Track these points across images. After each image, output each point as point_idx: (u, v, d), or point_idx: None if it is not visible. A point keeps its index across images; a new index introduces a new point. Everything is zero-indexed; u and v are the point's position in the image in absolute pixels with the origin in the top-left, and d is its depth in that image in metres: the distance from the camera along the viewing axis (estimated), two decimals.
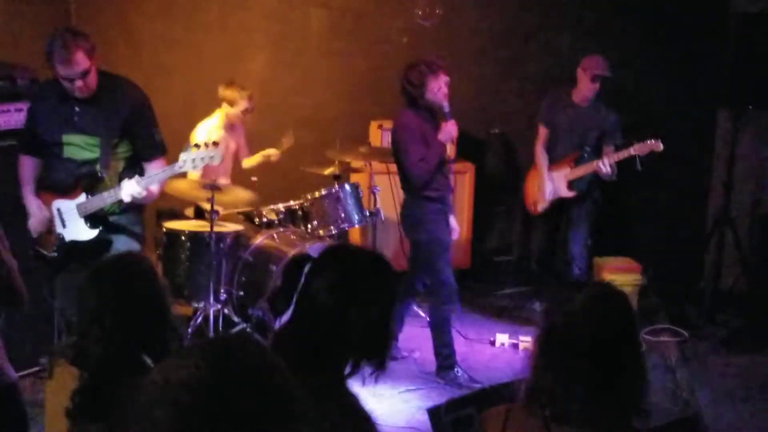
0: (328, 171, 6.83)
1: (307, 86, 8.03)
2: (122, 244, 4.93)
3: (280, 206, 6.74)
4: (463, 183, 7.68)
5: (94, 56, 4.77)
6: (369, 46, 8.04)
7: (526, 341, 6.42)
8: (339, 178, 6.83)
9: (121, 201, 4.82)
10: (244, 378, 1.36)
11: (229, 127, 6.83)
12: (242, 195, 6.47)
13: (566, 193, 6.89)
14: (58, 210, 4.93)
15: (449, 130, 5.76)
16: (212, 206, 5.96)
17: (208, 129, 6.70)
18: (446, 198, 6.02)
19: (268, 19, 8.00)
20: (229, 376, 1.35)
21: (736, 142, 7.20)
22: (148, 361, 2.84)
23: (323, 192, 6.62)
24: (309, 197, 6.65)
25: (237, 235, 6.37)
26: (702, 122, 7.84)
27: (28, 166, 5.05)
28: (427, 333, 6.22)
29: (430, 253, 5.93)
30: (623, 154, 6.60)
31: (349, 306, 2.47)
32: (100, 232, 4.90)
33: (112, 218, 4.97)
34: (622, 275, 7.05)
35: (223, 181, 6.66)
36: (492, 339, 6.55)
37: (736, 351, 6.68)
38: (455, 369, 5.94)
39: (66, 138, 4.89)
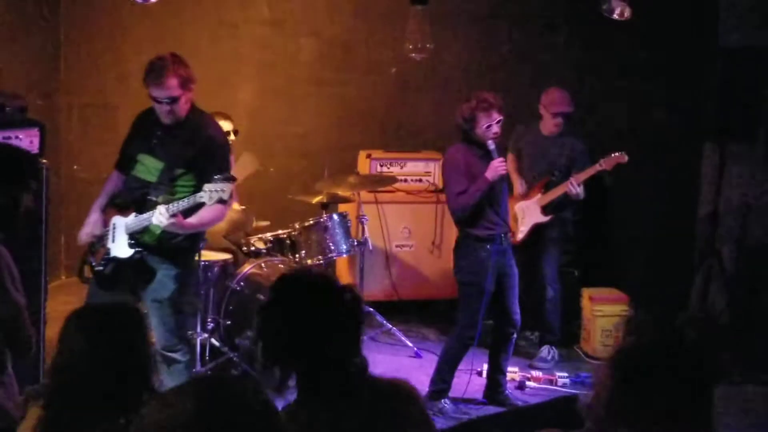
0: (316, 200, 6.84)
1: (296, 115, 8.06)
2: (156, 279, 4.97)
3: (268, 235, 6.74)
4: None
5: (188, 87, 4.88)
6: (358, 76, 8.08)
7: (513, 371, 6.41)
8: (327, 207, 6.84)
9: (174, 237, 4.91)
10: (232, 420, 1.36)
11: None
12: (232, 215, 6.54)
13: (542, 218, 6.89)
14: (114, 225, 4.98)
15: (495, 167, 5.59)
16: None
17: None
18: (498, 238, 5.79)
19: (258, 48, 8.03)
20: (217, 418, 1.36)
21: (723, 175, 7.24)
22: (121, 418, 2.67)
23: (311, 221, 6.62)
24: (297, 226, 6.66)
25: (225, 264, 6.37)
26: (689, 155, 7.88)
27: (111, 180, 5.22)
28: (415, 363, 6.20)
29: (466, 296, 5.84)
30: (591, 171, 6.66)
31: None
32: (136, 252, 4.90)
33: (156, 248, 4.96)
34: (609, 306, 7.06)
35: None
36: (479, 369, 6.56)
37: (724, 382, 6.68)
38: (443, 400, 5.93)
39: (140, 157, 5.02)
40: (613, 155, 6.61)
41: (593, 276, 7.49)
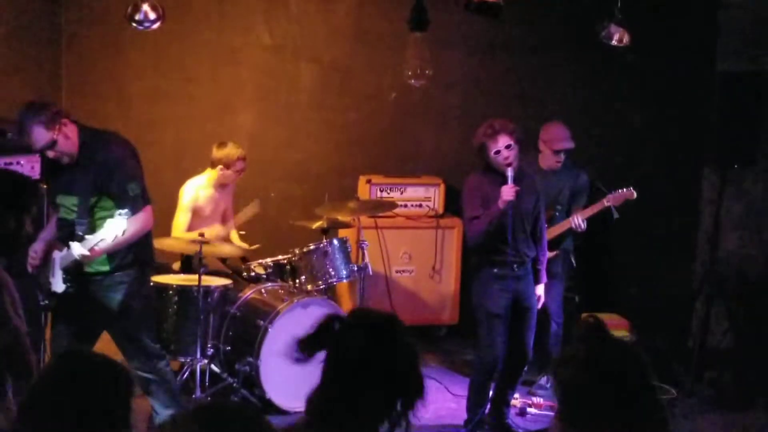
0: (316, 225, 6.83)
1: (296, 140, 8.07)
2: (101, 306, 5.07)
3: (268, 261, 6.73)
4: (451, 238, 7.70)
5: (56, 126, 4.84)
6: (358, 101, 8.10)
7: (514, 398, 6.39)
8: (327, 232, 6.83)
9: (112, 260, 5.00)
10: None
11: (219, 186, 6.83)
12: (228, 249, 6.54)
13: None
14: (53, 260, 5.04)
15: (504, 192, 5.50)
16: (200, 260, 5.97)
17: (196, 187, 6.72)
18: (510, 264, 5.69)
19: (259, 73, 8.05)
20: None
21: (722, 200, 7.25)
22: None
23: (311, 246, 6.61)
24: (297, 252, 6.65)
25: (224, 290, 6.35)
26: (688, 180, 7.90)
27: (53, 216, 5.25)
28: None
29: (479, 322, 5.80)
30: (598, 207, 6.62)
31: (378, 363, 2.61)
32: (69, 287, 4.99)
33: (96, 278, 5.02)
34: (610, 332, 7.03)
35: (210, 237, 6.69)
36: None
37: (724, 409, 6.66)
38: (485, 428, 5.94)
39: (59, 199, 5.07)
40: (620, 191, 6.54)
41: (594, 301, 7.47)
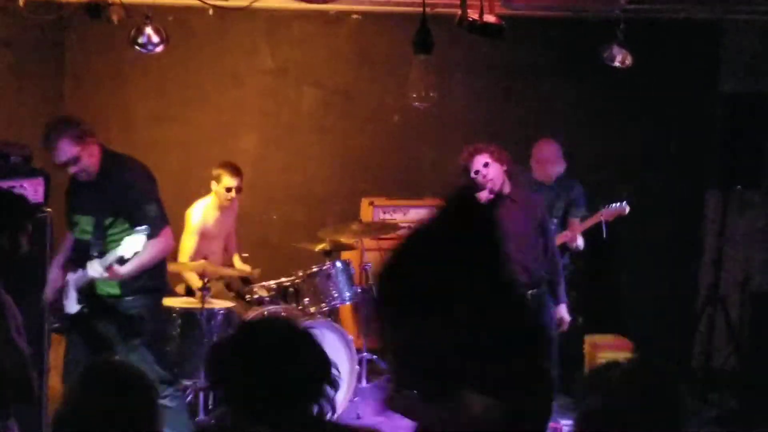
0: (319, 247, 6.83)
1: (298, 163, 8.08)
2: (111, 327, 5.07)
3: (272, 283, 6.73)
4: None
5: (84, 141, 4.92)
6: (360, 124, 8.11)
7: None
8: (330, 254, 6.83)
9: (123, 284, 5.01)
10: None
11: (222, 207, 6.85)
12: (230, 272, 6.56)
13: None
14: (67, 282, 5.09)
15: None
16: (204, 283, 5.97)
17: (204, 209, 6.74)
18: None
19: (261, 96, 8.07)
20: None
21: (725, 221, 7.25)
22: None
23: (314, 269, 6.61)
24: (300, 274, 6.65)
25: (228, 313, 6.34)
26: (691, 201, 7.90)
27: (68, 238, 5.33)
28: None
29: None
30: (593, 221, 6.67)
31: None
32: (83, 307, 5.02)
33: (108, 300, 5.02)
34: (613, 353, 7.01)
35: (214, 257, 6.69)
36: None
37: (728, 430, 6.63)
38: None
39: (76, 218, 5.17)
40: (614, 206, 6.60)
41: (596, 323, 7.46)
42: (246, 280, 6.97)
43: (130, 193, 5.03)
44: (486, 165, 5.62)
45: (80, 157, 4.93)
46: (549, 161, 6.80)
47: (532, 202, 5.83)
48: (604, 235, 6.61)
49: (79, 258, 5.06)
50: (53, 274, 5.17)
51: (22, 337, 3.58)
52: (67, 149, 4.90)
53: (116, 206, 5.01)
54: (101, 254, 4.91)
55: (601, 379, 2.50)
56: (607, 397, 2.44)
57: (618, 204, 6.60)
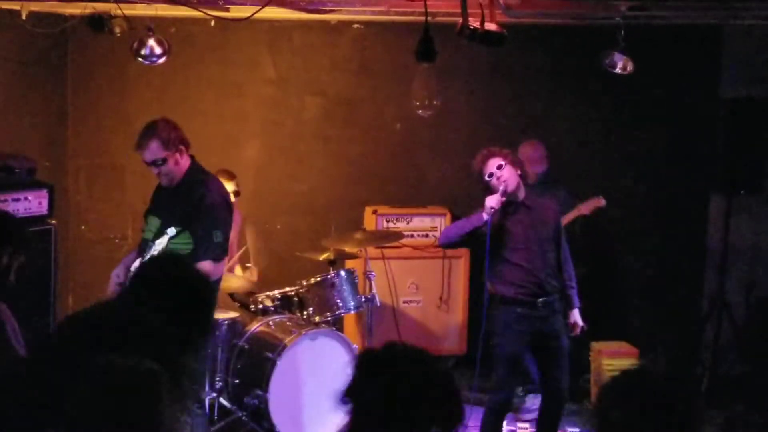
0: (323, 257, 6.83)
1: (301, 172, 8.09)
2: None
3: (276, 293, 6.72)
4: (458, 267, 7.68)
5: (175, 148, 5.05)
6: (363, 133, 8.12)
7: (524, 428, 6.35)
8: (334, 263, 6.83)
9: None
10: None
11: None
12: (236, 282, 6.55)
13: None
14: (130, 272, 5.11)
15: (488, 199, 5.43)
16: None
17: None
18: (534, 302, 5.51)
19: (264, 106, 8.09)
20: None
21: (729, 227, 7.24)
22: None
23: (319, 278, 6.61)
24: (304, 283, 6.65)
25: (232, 323, 6.34)
26: (695, 207, 7.89)
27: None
28: None
29: (492, 358, 5.62)
30: (573, 214, 6.74)
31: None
32: None
33: None
34: (618, 360, 7.01)
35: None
36: None
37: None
38: None
39: (148, 218, 5.27)
40: (591, 200, 6.68)
41: (602, 329, 7.44)
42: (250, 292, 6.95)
43: (204, 214, 5.07)
44: (500, 167, 5.51)
45: (166, 160, 5.04)
46: (531, 161, 6.86)
47: (546, 208, 5.74)
48: (578, 232, 6.63)
49: (142, 254, 5.10)
50: (119, 269, 5.23)
51: (20, 345, 3.59)
52: (155, 150, 5.04)
53: (187, 220, 5.04)
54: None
55: (621, 392, 2.47)
56: (628, 412, 2.41)
57: (595, 197, 6.67)
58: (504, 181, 5.47)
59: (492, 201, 5.41)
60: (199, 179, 5.19)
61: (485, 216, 5.42)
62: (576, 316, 5.80)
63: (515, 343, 5.54)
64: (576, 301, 5.81)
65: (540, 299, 5.53)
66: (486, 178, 5.54)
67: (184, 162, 5.13)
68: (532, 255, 5.55)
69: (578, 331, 5.84)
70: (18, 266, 4.10)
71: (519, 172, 5.60)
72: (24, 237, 4.11)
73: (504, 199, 5.45)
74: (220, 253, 5.11)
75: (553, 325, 5.61)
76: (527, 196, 5.64)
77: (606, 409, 2.45)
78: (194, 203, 5.07)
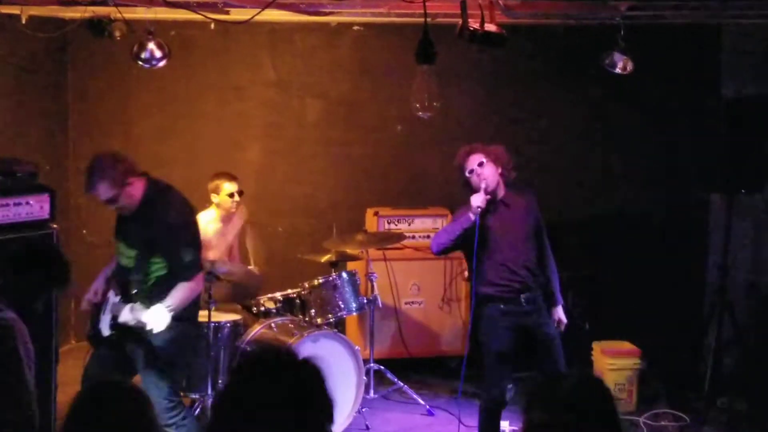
0: (324, 259, 6.84)
1: (303, 174, 8.11)
2: (141, 352, 5.04)
3: (278, 295, 6.72)
4: (459, 268, 7.68)
5: (124, 183, 4.92)
6: (364, 135, 8.13)
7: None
8: (336, 265, 6.84)
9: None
10: None
11: (226, 219, 6.87)
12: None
13: None
14: (108, 299, 5.09)
15: (473, 198, 5.39)
16: (210, 296, 5.97)
17: (206, 221, 6.74)
18: (518, 298, 5.48)
19: (265, 109, 8.11)
20: None
21: (730, 226, 7.23)
22: None
23: (320, 280, 6.61)
24: (306, 285, 6.65)
25: (235, 325, 6.35)
26: (696, 207, 7.89)
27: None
28: (427, 421, 6.25)
29: (482, 357, 5.59)
30: None
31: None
32: (113, 334, 5.01)
33: (137, 326, 4.99)
34: (620, 359, 7.02)
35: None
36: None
37: None
38: None
39: (117, 243, 5.18)
40: None
41: (604, 329, 7.45)
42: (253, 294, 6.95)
43: (167, 237, 5.01)
44: (481, 164, 5.48)
45: (118, 196, 4.95)
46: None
47: (526, 205, 5.68)
48: None
49: (121, 282, 5.06)
50: (97, 283, 5.20)
51: (31, 372, 3.61)
52: (104, 191, 4.92)
53: (155, 245, 5.00)
54: (140, 283, 4.94)
55: (545, 394, 2.55)
56: (551, 413, 2.49)
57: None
58: (484, 179, 5.45)
59: (477, 200, 5.38)
60: (156, 200, 5.08)
61: (472, 216, 5.40)
62: (560, 313, 5.78)
63: (502, 340, 5.52)
64: (559, 298, 5.79)
65: (523, 295, 5.52)
66: (467, 174, 5.53)
67: (137, 190, 5.01)
68: (514, 253, 5.52)
69: (562, 328, 5.81)
70: (46, 297, 4.17)
71: (500, 170, 5.56)
72: (66, 278, 4.15)
73: (489, 197, 5.45)
74: (194, 271, 5.06)
75: (539, 318, 5.60)
76: (506, 194, 5.60)
77: (529, 411, 2.53)
78: (155, 227, 5.00)
